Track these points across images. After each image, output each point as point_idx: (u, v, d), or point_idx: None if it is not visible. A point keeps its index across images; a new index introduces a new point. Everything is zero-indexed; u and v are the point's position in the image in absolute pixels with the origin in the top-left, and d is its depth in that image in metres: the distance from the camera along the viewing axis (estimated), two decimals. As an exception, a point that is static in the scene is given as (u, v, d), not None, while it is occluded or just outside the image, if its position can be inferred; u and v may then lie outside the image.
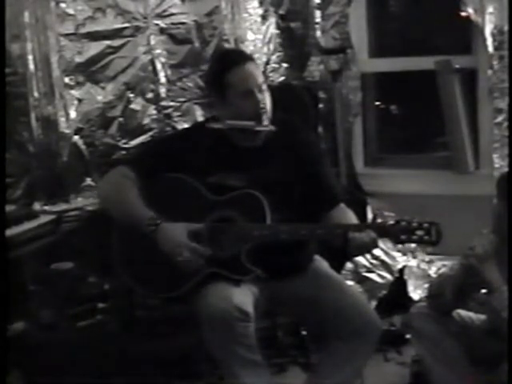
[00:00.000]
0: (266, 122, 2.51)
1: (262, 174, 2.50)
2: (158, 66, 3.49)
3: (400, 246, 3.52)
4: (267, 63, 3.88)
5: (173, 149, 2.60)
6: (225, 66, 2.52)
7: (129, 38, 3.39)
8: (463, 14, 3.56)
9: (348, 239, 2.33)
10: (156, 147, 2.76)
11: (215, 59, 2.77)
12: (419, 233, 2.30)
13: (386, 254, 3.68)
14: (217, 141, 2.55)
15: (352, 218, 2.55)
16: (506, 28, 3.42)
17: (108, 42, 3.32)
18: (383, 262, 3.67)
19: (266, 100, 2.52)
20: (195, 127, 2.89)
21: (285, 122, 2.57)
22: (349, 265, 3.60)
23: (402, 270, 3.67)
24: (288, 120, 2.62)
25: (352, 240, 2.33)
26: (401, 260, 3.71)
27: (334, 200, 2.58)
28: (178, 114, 3.57)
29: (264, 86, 2.53)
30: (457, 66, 3.71)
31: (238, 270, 2.42)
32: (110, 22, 3.32)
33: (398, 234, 2.32)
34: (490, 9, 3.46)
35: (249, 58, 2.61)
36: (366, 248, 2.37)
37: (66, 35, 3.19)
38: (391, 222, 2.37)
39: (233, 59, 2.55)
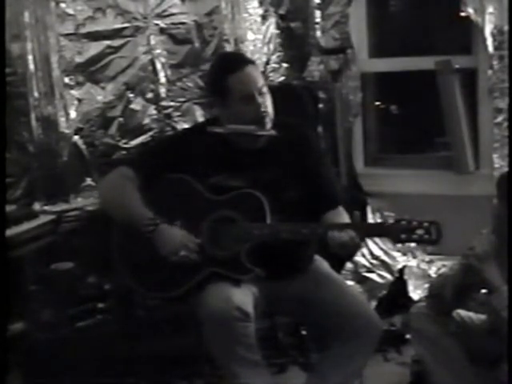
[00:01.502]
0: (268, 126, 2.51)
1: (263, 175, 2.50)
2: (158, 66, 3.49)
3: (400, 245, 3.53)
4: (267, 63, 3.88)
5: (173, 149, 2.60)
6: (225, 70, 2.51)
7: (129, 38, 3.38)
8: (463, 14, 3.56)
9: (328, 239, 2.31)
10: (156, 147, 2.76)
11: (215, 63, 2.75)
12: (419, 232, 2.29)
13: (386, 253, 3.68)
14: (217, 142, 2.55)
15: (345, 220, 2.53)
16: (506, 28, 3.42)
17: (108, 42, 3.31)
18: (383, 262, 3.67)
19: (267, 103, 2.51)
20: (196, 128, 2.88)
21: (285, 124, 2.56)
22: (349, 265, 3.61)
23: (401, 270, 3.67)
24: (288, 121, 2.61)
25: (331, 239, 2.31)
26: (401, 260, 3.71)
27: (332, 203, 2.57)
28: (178, 114, 3.56)
29: (264, 89, 2.52)
30: (457, 66, 3.71)
31: (238, 269, 2.42)
32: (110, 22, 3.31)
33: (398, 234, 2.31)
34: (490, 9, 3.47)
35: (249, 61, 2.60)
36: (347, 247, 2.32)
37: (66, 35, 3.18)
38: (391, 222, 2.37)
39: (233, 63, 2.54)
